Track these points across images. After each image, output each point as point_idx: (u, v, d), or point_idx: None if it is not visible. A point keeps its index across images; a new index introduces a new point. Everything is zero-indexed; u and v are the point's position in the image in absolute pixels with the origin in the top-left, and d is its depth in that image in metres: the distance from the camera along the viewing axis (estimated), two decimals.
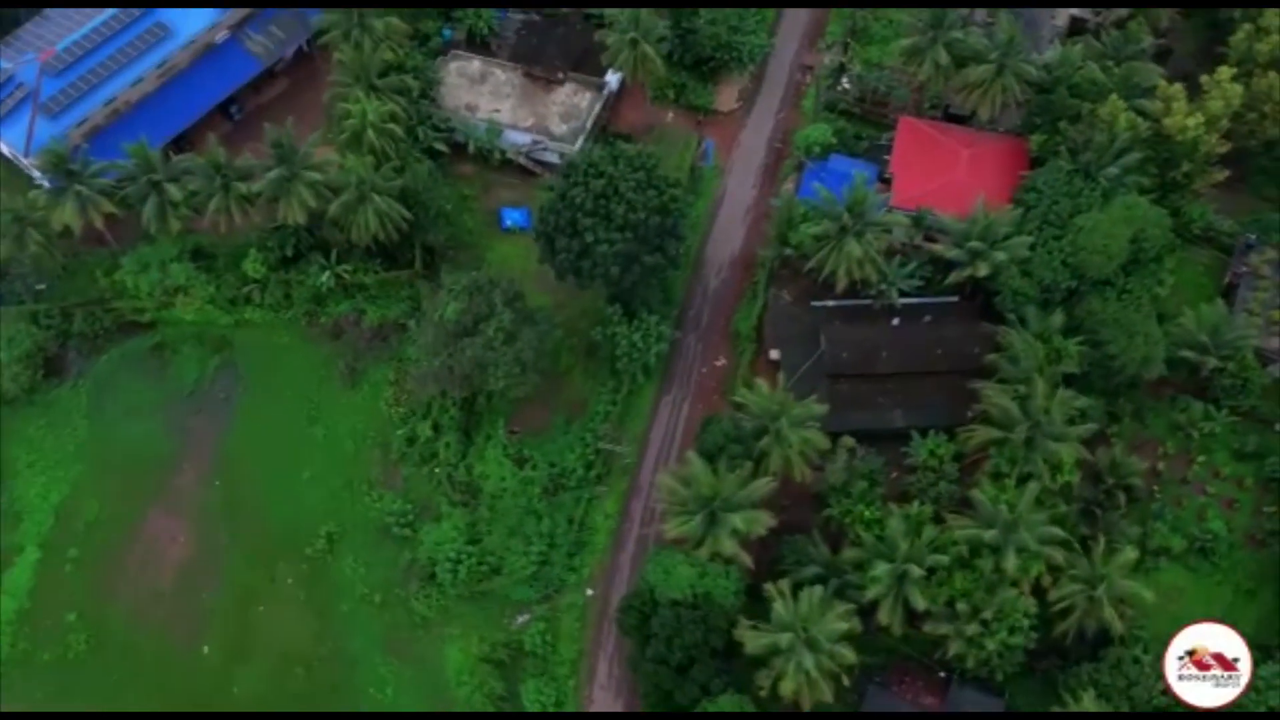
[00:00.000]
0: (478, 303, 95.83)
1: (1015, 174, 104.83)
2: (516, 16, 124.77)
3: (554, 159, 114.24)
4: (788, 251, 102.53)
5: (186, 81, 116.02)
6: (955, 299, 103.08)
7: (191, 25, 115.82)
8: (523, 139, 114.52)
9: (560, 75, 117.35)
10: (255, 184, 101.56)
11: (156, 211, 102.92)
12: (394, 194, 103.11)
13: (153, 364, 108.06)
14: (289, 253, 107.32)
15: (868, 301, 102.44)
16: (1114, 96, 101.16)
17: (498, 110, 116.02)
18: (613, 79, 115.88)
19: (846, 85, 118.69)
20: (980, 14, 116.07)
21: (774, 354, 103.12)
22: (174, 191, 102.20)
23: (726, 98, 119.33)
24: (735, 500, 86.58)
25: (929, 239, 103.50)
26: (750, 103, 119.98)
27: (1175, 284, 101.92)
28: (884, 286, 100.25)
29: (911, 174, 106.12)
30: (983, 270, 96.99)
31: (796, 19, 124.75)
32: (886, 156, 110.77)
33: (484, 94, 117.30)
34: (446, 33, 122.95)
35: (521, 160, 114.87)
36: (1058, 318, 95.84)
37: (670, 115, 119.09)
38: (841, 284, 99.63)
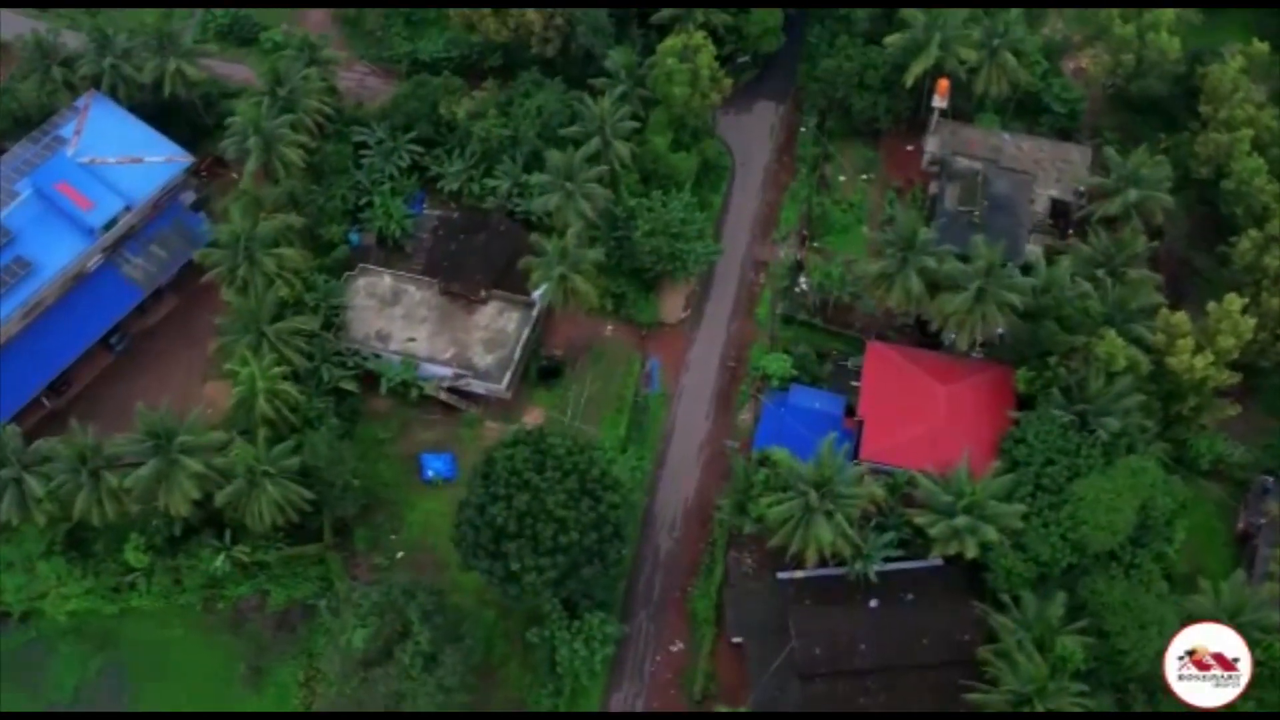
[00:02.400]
0: (390, 622, 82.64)
1: (1001, 413, 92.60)
2: (433, 213, 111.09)
3: (479, 389, 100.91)
4: (747, 529, 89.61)
5: (58, 318, 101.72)
6: (939, 562, 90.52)
7: (57, 257, 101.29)
8: (443, 372, 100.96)
9: (483, 293, 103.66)
10: (128, 478, 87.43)
11: (16, 504, 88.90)
12: (292, 472, 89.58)
13: (25, 667, 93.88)
14: (177, 533, 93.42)
15: (840, 571, 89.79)
16: (1111, 334, 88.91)
17: (413, 339, 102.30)
18: (541, 294, 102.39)
19: (804, 287, 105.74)
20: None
21: (736, 639, 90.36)
22: (35, 486, 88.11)
23: (672, 306, 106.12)
24: None
25: (907, 500, 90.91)
26: (699, 310, 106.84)
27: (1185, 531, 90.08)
28: (858, 565, 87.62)
29: (883, 418, 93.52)
30: (971, 551, 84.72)
31: (745, 206, 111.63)
32: (854, 383, 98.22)
33: (397, 318, 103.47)
34: (354, 237, 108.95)
35: (442, 396, 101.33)
36: (1057, 605, 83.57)
37: (610, 328, 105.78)
38: (811, 560, 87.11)
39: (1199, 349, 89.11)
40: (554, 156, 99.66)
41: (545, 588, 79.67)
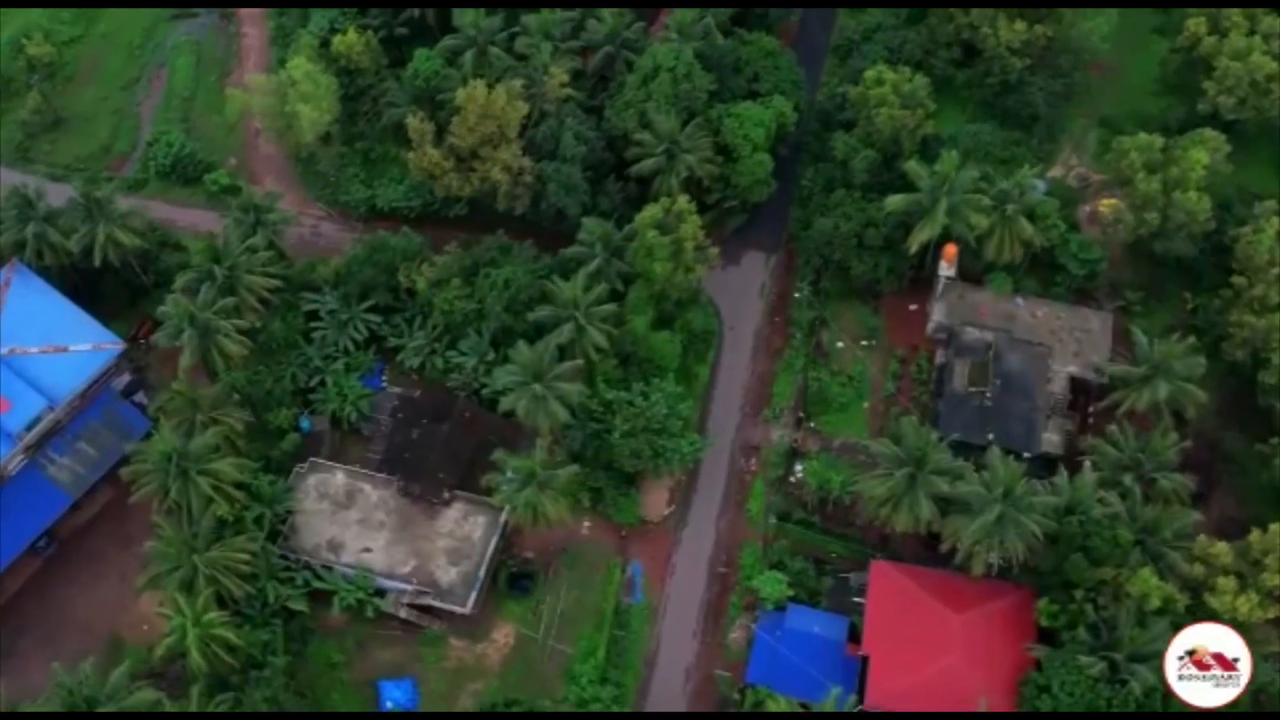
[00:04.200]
0: None
1: (1020, 646, 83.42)
2: (393, 390, 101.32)
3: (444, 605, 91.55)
4: None
5: None
6: None
7: None
8: (402, 587, 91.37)
9: (446, 494, 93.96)
10: None
11: None
12: None
13: None
14: None
15: None
16: (1145, 571, 79.59)
17: (369, 550, 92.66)
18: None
19: (800, 476, 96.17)
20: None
21: None
22: None
23: (655, 502, 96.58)
24: None
25: None
26: (685, 504, 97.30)
27: None
28: None
29: (891, 656, 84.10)
30: None
31: (735, 377, 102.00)
32: (856, 599, 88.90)
33: (351, 523, 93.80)
34: (305, 424, 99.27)
35: (402, 612, 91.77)
36: None
37: (586, 526, 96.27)
38: None
39: (1242, 585, 79.72)
40: (520, 354, 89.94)
41: None
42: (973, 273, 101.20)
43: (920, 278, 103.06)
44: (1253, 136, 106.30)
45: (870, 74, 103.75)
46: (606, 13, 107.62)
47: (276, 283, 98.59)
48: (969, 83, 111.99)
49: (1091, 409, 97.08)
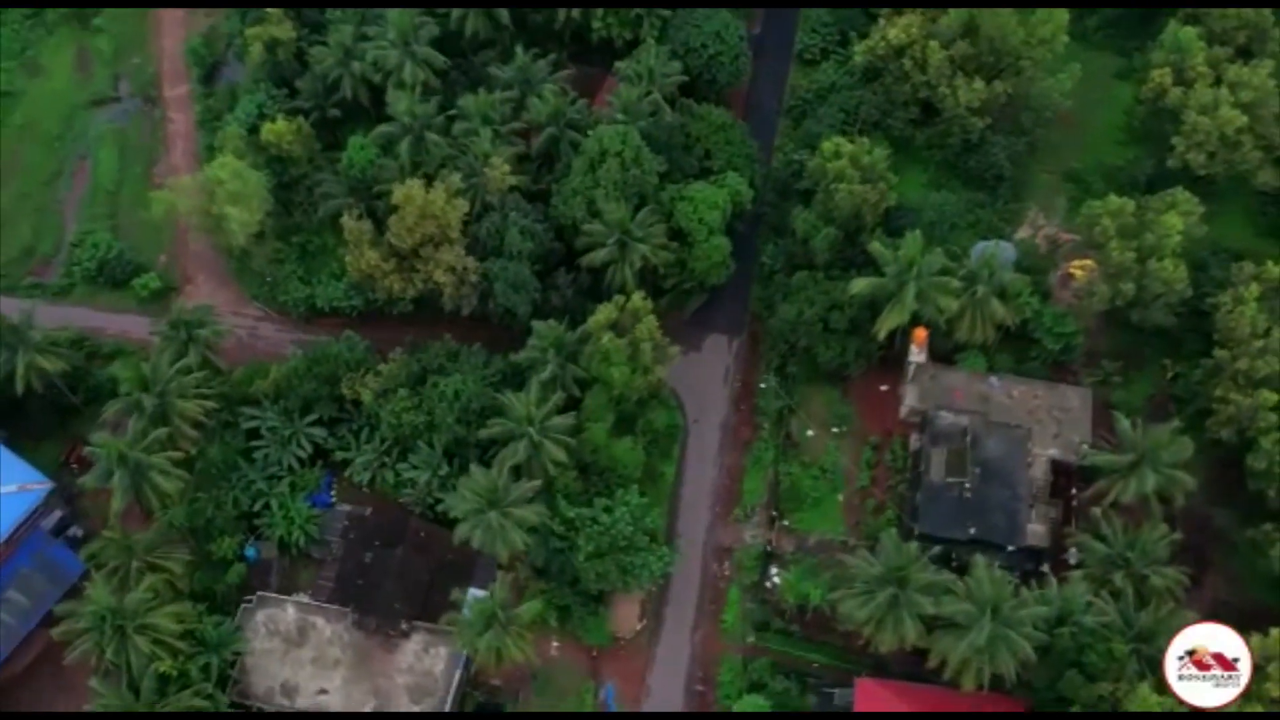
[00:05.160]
0: None
1: None
2: (343, 508, 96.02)
3: None
4: None
5: None
6: None
7: None
8: None
9: (404, 625, 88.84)
10: None
11: None
12: None
13: None
14: None
15: None
16: (1143, 687, 75.56)
17: (324, 692, 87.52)
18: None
19: (776, 581, 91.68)
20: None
21: None
22: None
23: (626, 617, 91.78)
24: None
25: None
26: (657, 617, 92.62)
27: None
28: None
29: None
30: None
31: (703, 475, 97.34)
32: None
33: (305, 663, 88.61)
34: (250, 552, 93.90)
35: None
36: None
37: (555, 646, 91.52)
38: None
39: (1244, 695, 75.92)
40: (473, 480, 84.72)
41: None
42: (944, 350, 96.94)
43: (890, 356, 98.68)
44: (1223, 189, 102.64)
45: (827, 146, 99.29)
46: (548, 91, 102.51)
47: (212, 404, 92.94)
48: (929, 143, 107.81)
49: (1075, 492, 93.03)
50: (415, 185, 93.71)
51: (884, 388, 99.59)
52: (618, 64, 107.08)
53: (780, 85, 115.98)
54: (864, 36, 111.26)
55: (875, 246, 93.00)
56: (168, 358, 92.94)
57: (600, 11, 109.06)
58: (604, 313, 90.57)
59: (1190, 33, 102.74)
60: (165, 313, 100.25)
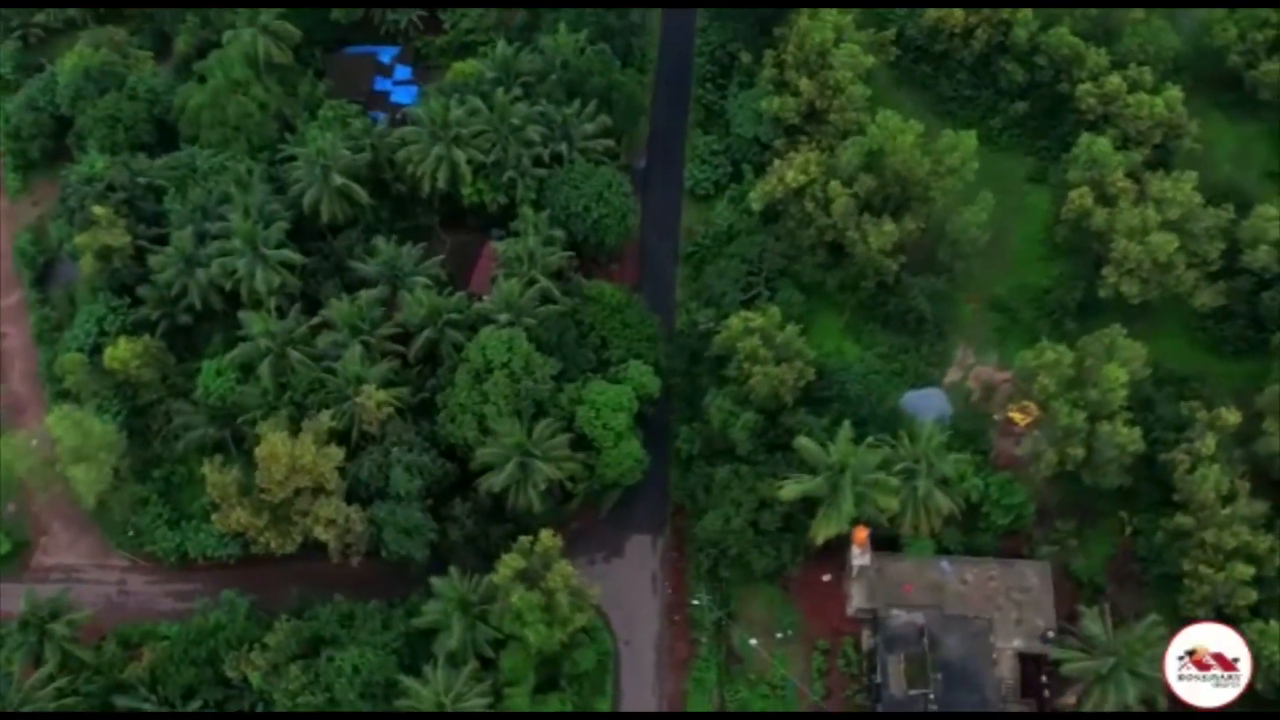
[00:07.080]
0: None
1: None
2: None
3: None
4: None
5: None
6: None
7: None
8: None
9: None
10: None
11: None
12: None
13: None
14: None
15: None
16: None
17: None
18: None
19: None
20: None
21: None
22: None
23: None
24: None
25: None
26: None
27: None
28: None
29: None
30: None
31: (642, 707, 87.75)
32: None
33: None
34: None
35: None
36: None
37: None
38: None
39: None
40: None
41: None
42: (887, 532, 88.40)
43: (832, 545, 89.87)
44: (1159, 307, 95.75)
45: (735, 322, 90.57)
46: (420, 290, 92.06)
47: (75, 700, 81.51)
48: (843, 286, 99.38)
49: (1045, 680, 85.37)
50: (279, 439, 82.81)
51: (827, 578, 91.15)
52: (495, 244, 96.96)
53: (674, 227, 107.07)
54: (758, 170, 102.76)
55: (802, 444, 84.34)
56: (20, 663, 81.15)
57: (469, 177, 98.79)
58: (511, 562, 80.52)
59: (1105, 144, 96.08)
60: (19, 576, 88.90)
